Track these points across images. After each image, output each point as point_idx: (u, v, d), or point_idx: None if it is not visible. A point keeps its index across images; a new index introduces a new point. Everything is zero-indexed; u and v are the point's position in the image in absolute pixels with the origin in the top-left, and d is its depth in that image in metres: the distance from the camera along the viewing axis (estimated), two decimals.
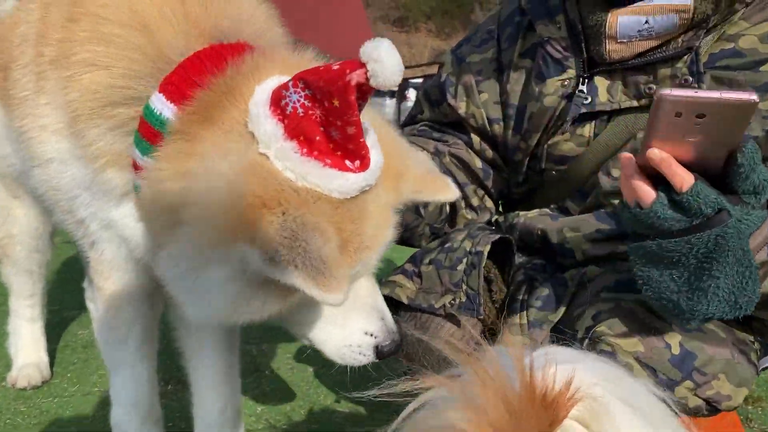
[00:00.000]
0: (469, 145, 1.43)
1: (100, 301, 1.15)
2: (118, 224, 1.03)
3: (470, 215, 1.48)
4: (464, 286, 1.25)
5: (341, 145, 0.77)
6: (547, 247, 1.35)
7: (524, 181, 1.40)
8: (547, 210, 1.37)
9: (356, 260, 0.84)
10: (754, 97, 0.82)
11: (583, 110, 1.22)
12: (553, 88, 1.26)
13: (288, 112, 0.77)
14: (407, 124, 1.60)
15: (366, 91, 0.74)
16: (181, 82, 0.89)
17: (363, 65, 0.71)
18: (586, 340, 1.10)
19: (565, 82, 1.25)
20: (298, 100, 0.76)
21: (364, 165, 0.79)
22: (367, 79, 0.71)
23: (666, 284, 0.95)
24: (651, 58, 1.16)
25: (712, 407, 1.08)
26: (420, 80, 18.80)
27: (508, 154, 1.40)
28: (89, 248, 1.11)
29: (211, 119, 0.84)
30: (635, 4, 1.14)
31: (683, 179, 0.88)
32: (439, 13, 51.10)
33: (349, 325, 0.93)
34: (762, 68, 1.10)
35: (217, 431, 1.31)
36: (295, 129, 0.77)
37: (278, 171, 0.78)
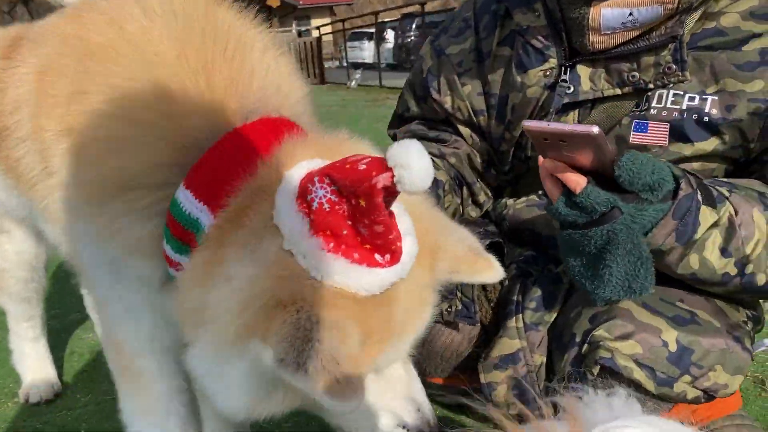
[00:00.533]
0: (465, 140, 1.43)
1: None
2: (138, 309, 1.01)
3: (474, 212, 1.49)
4: (459, 294, 1.27)
5: (370, 240, 0.74)
6: (537, 239, 1.37)
7: (510, 169, 1.41)
8: (535, 198, 1.38)
9: (381, 351, 0.80)
10: (594, 130, 0.93)
11: (567, 100, 1.23)
12: (535, 78, 1.26)
13: (314, 207, 0.74)
14: (396, 125, 1.59)
15: (393, 193, 0.70)
16: (211, 182, 0.86)
17: (390, 169, 0.67)
18: (585, 345, 1.12)
19: (547, 72, 1.25)
20: (324, 196, 0.73)
21: (395, 258, 0.76)
22: (393, 184, 0.67)
23: (578, 269, 1.09)
24: (635, 47, 1.15)
25: (710, 396, 1.13)
26: (397, 23, 18.39)
27: (494, 143, 1.40)
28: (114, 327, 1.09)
29: (242, 223, 0.83)
30: None
31: (576, 182, 1.00)
32: None
33: (382, 416, 0.88)
34: (744, 48, 1.10)
35: None
36: (321, 224, 0.74)
37: (301, 269, 0.75)
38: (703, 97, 1.11)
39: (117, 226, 0.91)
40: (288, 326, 0.71)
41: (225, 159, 0.86)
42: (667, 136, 1.14)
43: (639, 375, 1.08)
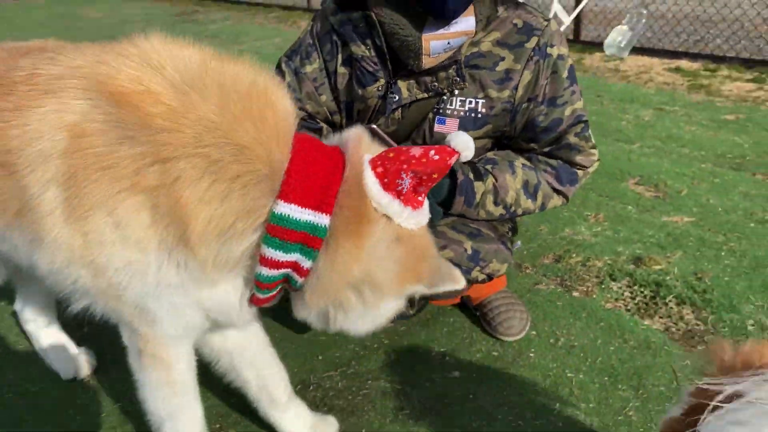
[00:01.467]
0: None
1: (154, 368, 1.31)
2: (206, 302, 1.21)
3: None
4: None
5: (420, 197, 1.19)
6: None
7: None
8: None
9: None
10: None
11: (394, 106, 1.73)
12: (371, 93, 1.74)
13: (403, 191, 1.13)
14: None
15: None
16: (315, 192, 1.10)
17: (457, 152, 1.15)
18: None
19: (379, 88, 1.73)
20: (409, 183, 1.13)
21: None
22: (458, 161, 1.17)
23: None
24: (434, 68, 1.66)
25: (490, 277, 1.87)
26: None
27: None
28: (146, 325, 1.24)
29: (350, 215, 1.11)
30: (440, 32, 1.60)
31: None
32: None
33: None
34: (497, 68, 1.67)
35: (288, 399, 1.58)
36: (407, 201, 1.14)
37: (410, 231, 1.16)
38: (477, 100, 1.65)
39: (213, 257, 1.11)
40: (429, 269, 1.22)
41: (315, 172, 1.11)
42: (457, 127, 1.71)
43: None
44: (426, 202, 1.21)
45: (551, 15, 3.92)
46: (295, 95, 1.76)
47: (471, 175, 1.63)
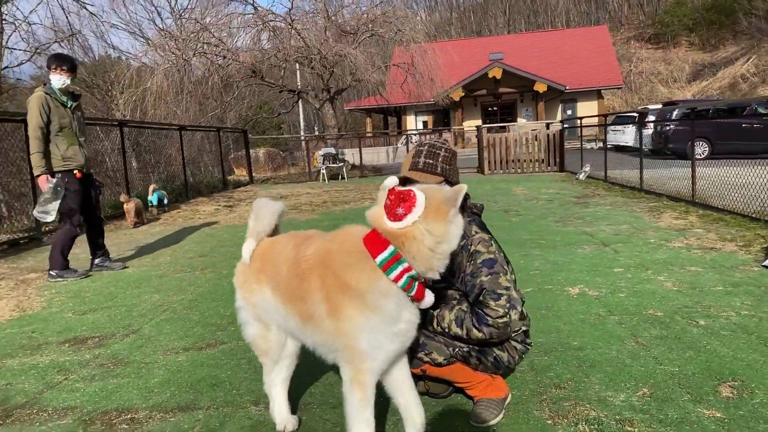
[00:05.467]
0: None
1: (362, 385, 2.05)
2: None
3: None
4: None
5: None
6: None
7: None
8: None
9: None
10: None
11: None
12: None
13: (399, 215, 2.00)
14: None
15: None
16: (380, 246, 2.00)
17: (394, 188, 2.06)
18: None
19: None
20: (402, 211, 2.00)
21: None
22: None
23: None
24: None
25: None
26: (657, 111, 18.51)
27: None
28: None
29: (411, 235, 1.99)
30: None
31: None
32: (704, 24, 46.91)
33: None
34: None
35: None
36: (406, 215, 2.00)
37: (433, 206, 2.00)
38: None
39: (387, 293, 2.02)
40: (444, 202, 2.00)
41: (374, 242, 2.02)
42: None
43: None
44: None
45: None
46: None
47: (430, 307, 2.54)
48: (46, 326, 4.34)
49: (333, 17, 21.00)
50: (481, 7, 62.65)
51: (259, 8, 20.67)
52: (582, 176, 13.63)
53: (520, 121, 31.25)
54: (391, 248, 1.99)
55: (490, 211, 9.09)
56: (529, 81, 31.33)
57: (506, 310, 2.40)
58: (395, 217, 1.99)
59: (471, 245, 2.50)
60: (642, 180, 10.77)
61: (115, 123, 12.64)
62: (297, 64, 22.22)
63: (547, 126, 19.58)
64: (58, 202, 5.61)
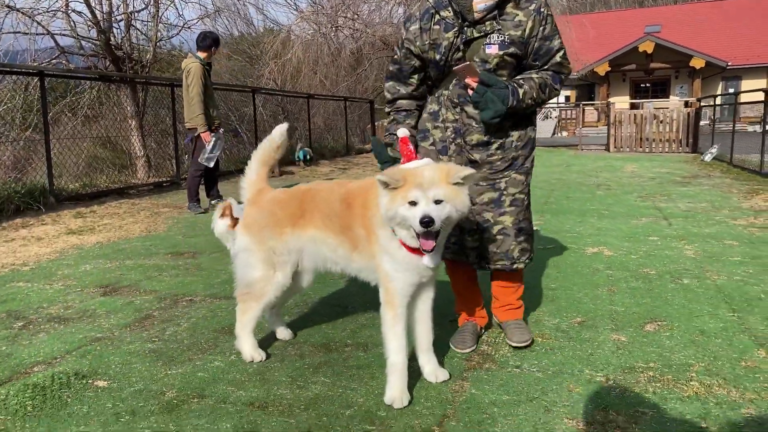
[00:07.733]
0: (413, 69, 2.90)
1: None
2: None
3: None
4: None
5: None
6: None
7: (437, 76, 2.86)
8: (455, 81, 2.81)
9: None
10: (469, 63, 2.62)
11: (463, 40, 2.72)
12: (452, 36, 2.74)
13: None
14: (390, 107, 3.05)
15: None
16: None
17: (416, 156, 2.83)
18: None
19: (456, 33, 2.73)
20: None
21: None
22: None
23: (480, 109, 2.68)
24: (481, 19, 2.68)
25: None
26: None
27: (432, 63, 2.83)
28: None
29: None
30: None
31: (473, 83, 2.64)
32: None
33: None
34: (514, 20, 2.68)
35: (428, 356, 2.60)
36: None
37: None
38: (504, 35, 2.67)
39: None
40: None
41: None
42: (497, 49, 2.68)
43: None
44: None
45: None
46: (406, 45, 2.89)
47: (515, 86, 2.71)
48: (161, 243, 5.66)
49: None
50: None
51: None
52: (708, 158, 12.97)
53: (673, 99, 29.26)
54: None
55: (581, 185, 9.27)
56: (685, 56, 29.04)
57: (570, 68, 2.91)
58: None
59: (543, 8, 2.76)
60: (762, 163, 10.21)
61: (248, 89, 14.27)
62: None
63: (686, 104, 18.48)
64: (219, 151, 7.27)
